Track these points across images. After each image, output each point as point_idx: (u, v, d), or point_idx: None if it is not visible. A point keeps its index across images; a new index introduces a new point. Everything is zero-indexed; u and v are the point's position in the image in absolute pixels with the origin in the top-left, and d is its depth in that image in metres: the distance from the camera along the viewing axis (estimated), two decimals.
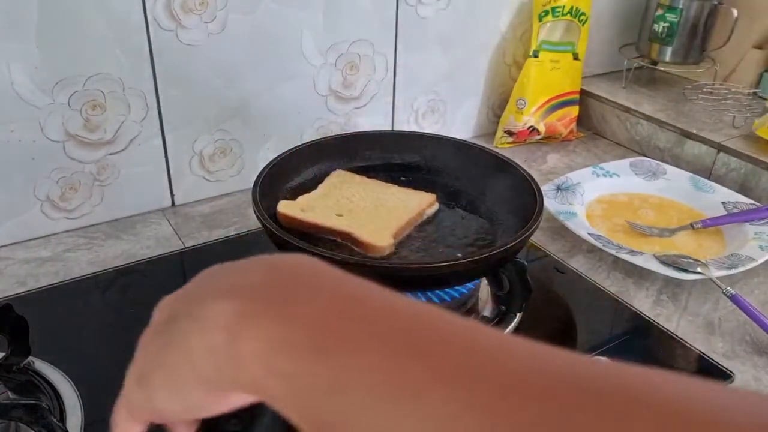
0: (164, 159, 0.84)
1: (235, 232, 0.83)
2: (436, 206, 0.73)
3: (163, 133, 0.83)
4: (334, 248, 0.65)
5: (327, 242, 0.67)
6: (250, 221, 0.85)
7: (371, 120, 0.99)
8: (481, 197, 0.75)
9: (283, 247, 0.59)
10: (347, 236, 0.65)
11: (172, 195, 0.88)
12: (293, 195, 0.73)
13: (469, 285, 0.67)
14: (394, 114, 1.02)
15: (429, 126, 1.06)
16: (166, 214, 0.87)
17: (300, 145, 0.75)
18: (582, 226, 0.83)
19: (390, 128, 1.02)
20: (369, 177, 0.76)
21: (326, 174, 0.77)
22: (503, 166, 0.74)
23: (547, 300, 0.73)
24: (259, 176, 0.68)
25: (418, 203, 0.72)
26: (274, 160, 0.72)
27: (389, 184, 0.75)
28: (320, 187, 0.73)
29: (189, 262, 0.77)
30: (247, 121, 0.88)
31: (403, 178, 0.79)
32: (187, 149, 0.86)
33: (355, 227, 0.66)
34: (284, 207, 0.68)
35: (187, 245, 0.80)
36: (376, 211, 0.70)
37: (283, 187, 0.73)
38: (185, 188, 0.88)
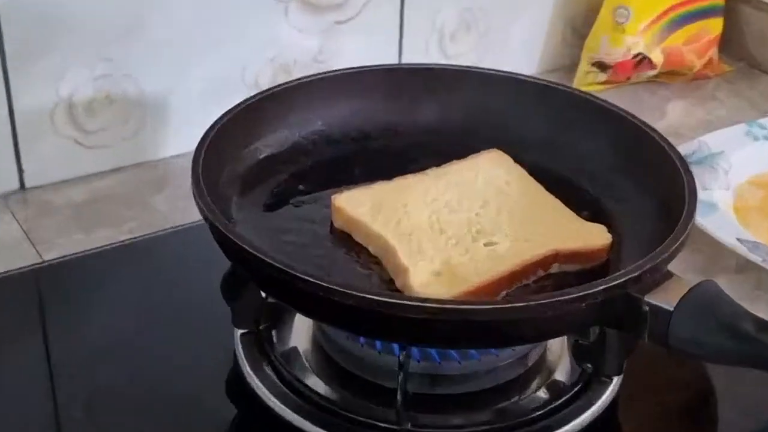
0: (6, 109, 0.64)
1: (130, 235, 0.63)
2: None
3: (5, 65, 0.62)
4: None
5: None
6: (156, 215, 0.66)
7: (363, 43, 0.78)
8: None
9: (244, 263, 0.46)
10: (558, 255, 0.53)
11: (21, 171, 0.68)
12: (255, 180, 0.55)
13: None
14: (403, 35, 0.80)
15: (461, 54, 0.84)
16: (10, 204, 0.67)
17: (257, 95, 0.57)
18: (727, 227, 0.65)
19: (397, 59, 0.81)
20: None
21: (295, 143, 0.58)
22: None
23: (662, 354, 0.51)
24: (200, 143, 0.51)
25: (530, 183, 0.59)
26: (224, 115, 0.53)
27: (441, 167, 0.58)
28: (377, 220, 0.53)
29: (48, 285, 0.59)
30: (150, 46, 0.68)
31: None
32: (46, 92, 0.66)
33: (559, 241, 0.53)
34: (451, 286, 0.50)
35: (45, 258, 0.61)
36: (526, 214, 0.56)
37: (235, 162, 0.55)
38: (42, 159, 0.69)
